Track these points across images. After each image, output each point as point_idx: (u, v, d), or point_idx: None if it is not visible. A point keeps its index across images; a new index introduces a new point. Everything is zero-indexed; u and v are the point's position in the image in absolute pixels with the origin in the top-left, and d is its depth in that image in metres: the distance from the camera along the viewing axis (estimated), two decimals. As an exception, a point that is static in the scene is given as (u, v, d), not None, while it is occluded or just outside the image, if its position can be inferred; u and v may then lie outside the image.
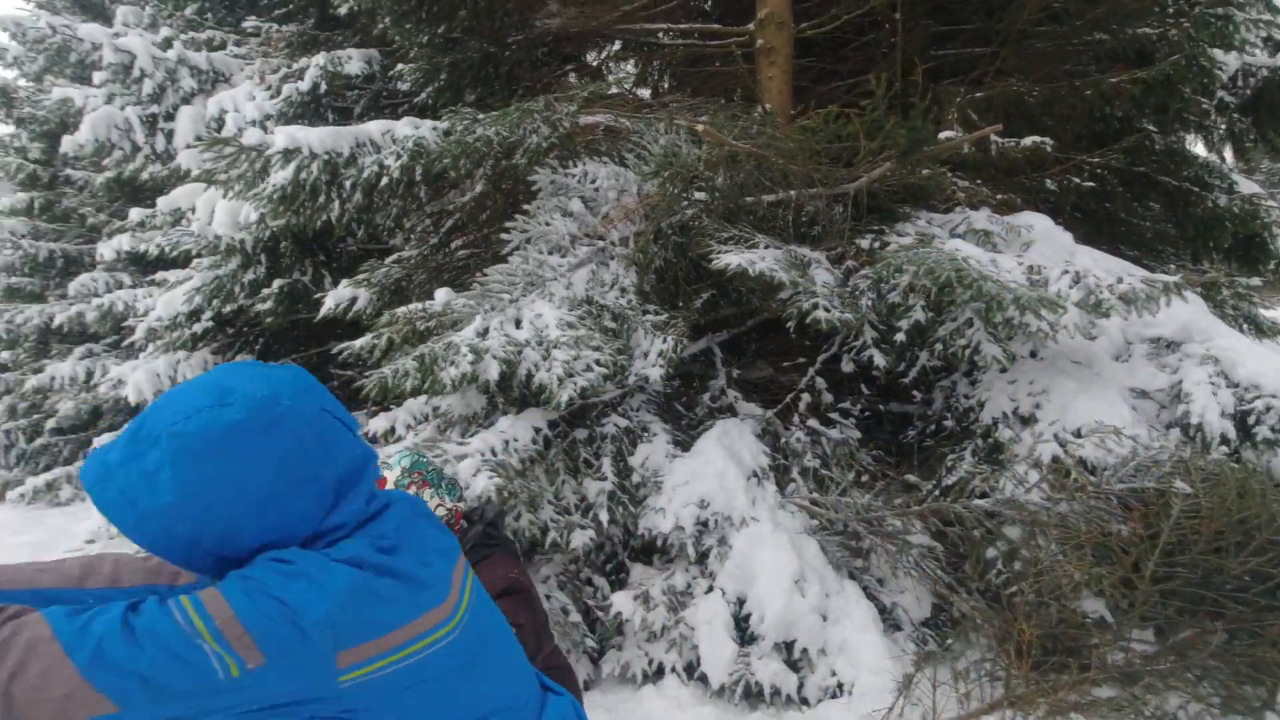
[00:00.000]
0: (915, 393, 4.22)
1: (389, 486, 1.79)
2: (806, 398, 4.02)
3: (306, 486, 0.82)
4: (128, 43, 5.73)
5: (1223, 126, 6.01)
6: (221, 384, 0.81)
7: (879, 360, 3.57)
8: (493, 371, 2.99)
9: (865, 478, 3.79)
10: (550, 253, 3.54)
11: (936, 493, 3.46)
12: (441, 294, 3.55)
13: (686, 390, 4.14)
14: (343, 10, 5.64)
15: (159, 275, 7.30)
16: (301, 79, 5.85)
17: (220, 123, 5.87)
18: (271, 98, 5.92)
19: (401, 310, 3.53)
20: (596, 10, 5.50)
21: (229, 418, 0.77)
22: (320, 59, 5.82)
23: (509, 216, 4.01)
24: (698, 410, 3.94)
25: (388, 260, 4.87)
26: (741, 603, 3.21)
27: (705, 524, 3.32)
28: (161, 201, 6.18)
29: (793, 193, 3.86)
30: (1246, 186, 5.65)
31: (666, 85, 6.56)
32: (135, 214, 6.97)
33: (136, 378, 5.85)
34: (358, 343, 3.55)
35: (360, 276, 4.72)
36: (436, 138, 3.94)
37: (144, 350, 6.62)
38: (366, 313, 4.55)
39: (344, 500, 0.86)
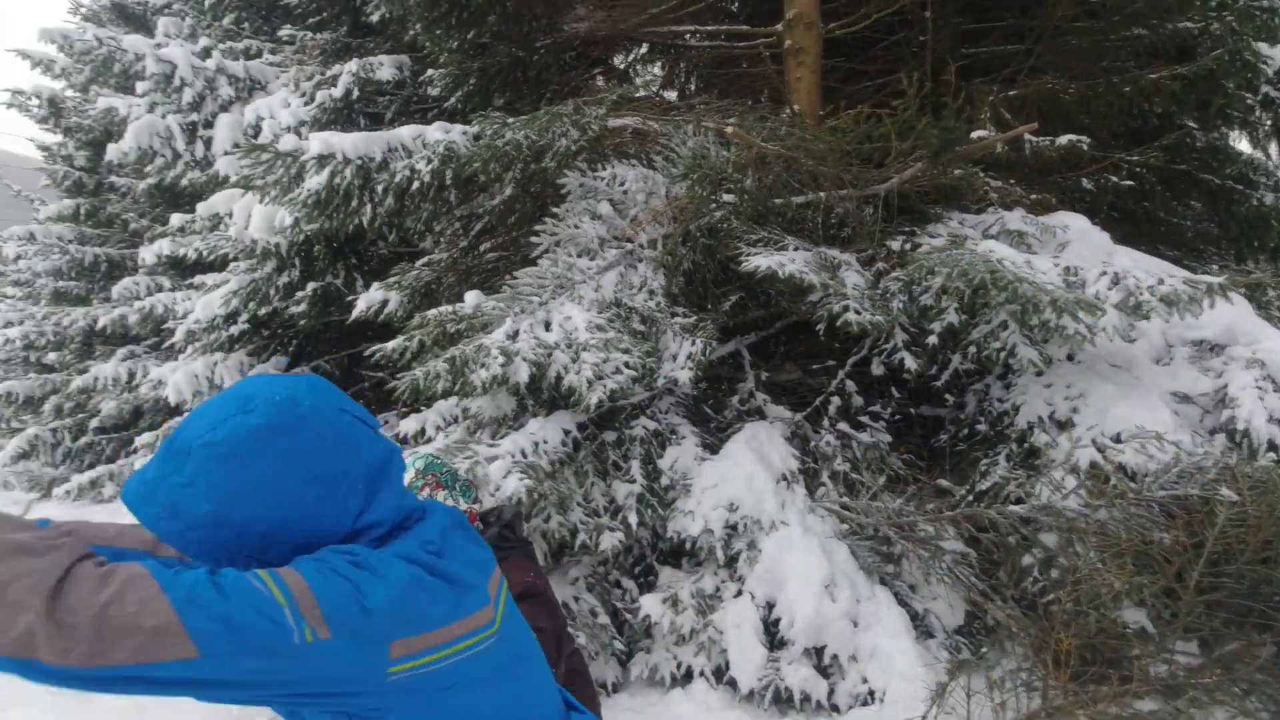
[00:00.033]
0: (947, 396, 4.15)
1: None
2: (836, 401, 3.99)
3: (336, 483, 0.85)
4: (169, 53, 5.90)
5: (1268, 122, 5.83)
6: (243, 393, 0.85)
7: (910, 363, 3.52)
8: (522, 374, 3.02)
9: (896, 482, 3.75)
10: (579, 255, 3.55)
11: (970, 498, 3.40)
12: (471, 296, 3.59)
13: (714, 393, 4.12)
14: (374, 18, 5.74)
15: (197, 279, 7.49)
16: (335, 85, 5.96)
17: (257, 129, 6.01)
18: (306, 104, 6.04)
19: (432, 313, 3.58)
20: (624, 13, 5.53)
21: (253, 422, 0.81)
22: (353, 65, 5.92)
23: (537, 219, 4.04)
24: (726, 413, 3.92)
25: (418, 263, 4.93)
26: (771, 607, 3.19)
27: (734, 527, 3.31)
28: (200, 207, 6.34)
29: (822, 194, 3.84)
30: (1293, 184, 5.47)
31: (693, 87, 6.56)
32: (176, 219, 7.16)
33: (176, 378, 6.00)
34: (389, 345, 3.60)
35: (391, 279, 4.78)
36: (466, 142, 3.98)
37: (183, 352, 6.79)
38: (397, 315, 4.61)
39: (376, 498, 0.89)
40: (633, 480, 3.34)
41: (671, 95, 6.32)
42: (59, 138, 10.84)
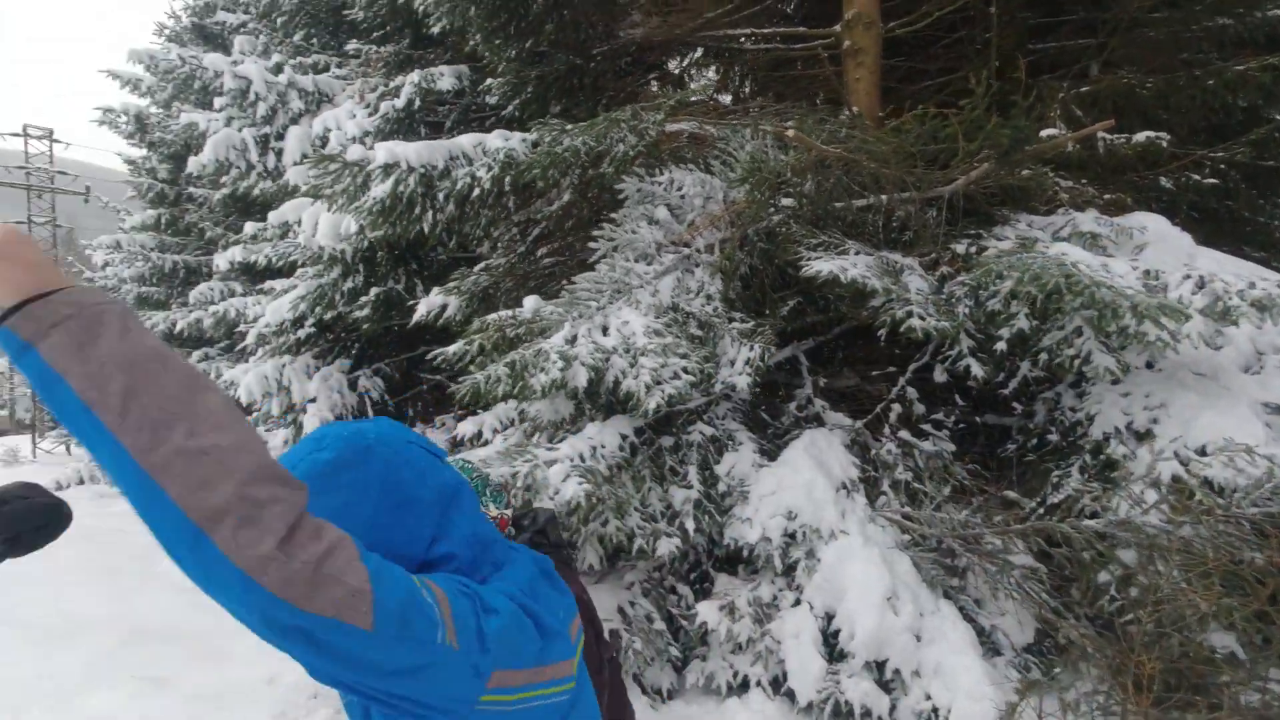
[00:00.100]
0: (1014, 404, 4.01)
1: None
2: (897, 408, 3.89)
3: (406, 509, 0.89)
4: (245, 69, 6.18)
5: (1367, 115, 5.43)
6: (316, 434, 0.92)
7: (976, 370, 3.41)
8: (581, 378, 3.04)
9: (960, 493, 3.63)
10: (636, 260, 3.57)
11: (1041, 511, 3.27)
12: (530, 301, 3.64)
13: (771, 399, 4.08)
14: (435, 30, 5.89)
15: (267, 284, 7.82)
16: (397, 96, 6.15)
17: (324, 140, 6.24)
18: (370, 115, 6.25)
19: (492, 317, 3.64)
20: (679, 18, 5.54)
21: (325, 457, 0.87)
22: (415, 76, 6.10)
23: (594, 225, 4.07)
24: (783, 419, 3.87)
25: (476, 268, 5.03)
26: (830, 618, 3.13)
27: (792, 535, 3.26)
28: (271, 215, 6.61)
29: (883, 197, 3.76)
30: (1398, 180, 5.09)
31: (748, 90, 6.52)
32: (249, 228, 7.49)
33: (248, 380, 6.27)
34: (450, 348, 3.68)
35: (450, 284, 4.89)
36: (525, 149, 4.05)
37: (254, 354, 7.09)
38: (456, 319, 4.72)
39: (448, 526, 0.91)
40: (690, 486, 3.33)
41: (725, 99, 6.30)
42: (144, 152, 11.49)
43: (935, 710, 2.92)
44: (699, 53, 6.38)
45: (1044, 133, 4.15)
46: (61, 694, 4.08)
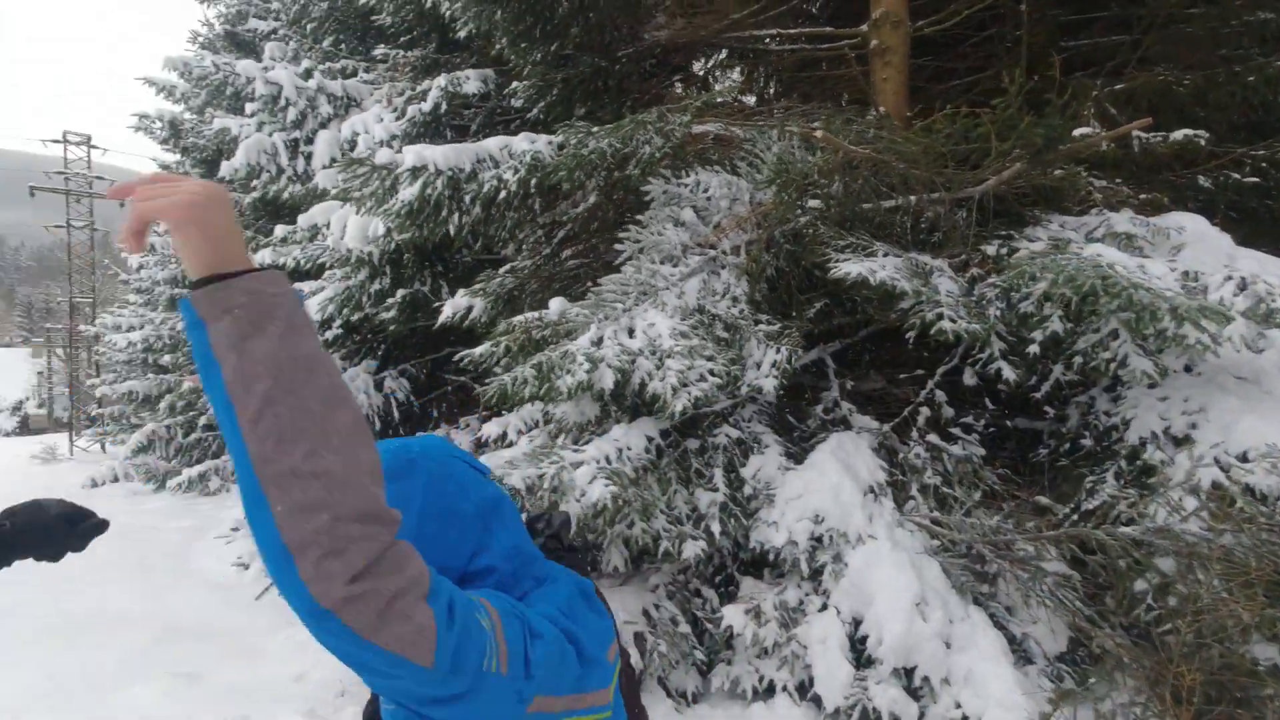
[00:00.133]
0: (1046, 408, 3.93)
1: None
2: (925, 411, 3.84)
3: (449, 522, 0.90)
4: (276, 75, 6.29)
5: None
6: None
7: (1008, 373, 3.35)
8: (607, 380, 3.04)
9: (991, 498, 3.58)
10: (662, 262, 3.56)
11: (1074, 517, 3.21)
12: (556, 303, 3.65)
13: (797, 401, 4.05)
14: (462, 34, 5.94)
15: (295, 286, 7.91)
16: (424, 100, 6.21)
17: (352, 144, 6.32)
18: (397, 119, 6.32)
19: (518, 319, 3.66)
20: (705, 20, 5.53)
21: None
22: (441, 80, 6.15)
23: (619, 226, 4.08)
24: (810, 422, 3.84)
25: (501, 270, 5.07)
26: (858, 623, 3.10)
27: (819, 539, 3.23)
28: (301, 219, 6.71)
29: (912, 198, 3.71)
30: None
31: (772, 91, 6.50)
32: (279, 230, 7.61)
33: (277, 380, 6.35)
34: (477, 350, 3.70)
35: (476, 286, 4.93)
36: (551, 151, 4.07)
37: (283, 355, 7.18)
38: (481, 321, 4.75)
39: (489, 539, 0.92)
40: (715, 489, 3.31)
41: (750, 100, 6.28)
42: (177, 157, 11.73)
43: (966, 718, 2.87)
44: (723, 54, 6.37)
45: (1077, 131, 4.08)
46: (100, 689, 4.18)
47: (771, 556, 3.31)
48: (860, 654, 3.07)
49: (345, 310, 6.11)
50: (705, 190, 3.81)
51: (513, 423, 4.17)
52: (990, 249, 3.66)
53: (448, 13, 5.64)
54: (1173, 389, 3.28)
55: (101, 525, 1.34)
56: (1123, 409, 3.40)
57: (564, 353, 3.13)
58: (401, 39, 7.24)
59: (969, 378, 3.90)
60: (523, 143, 4.20)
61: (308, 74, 6.74)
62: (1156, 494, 3.00)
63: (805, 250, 3.63)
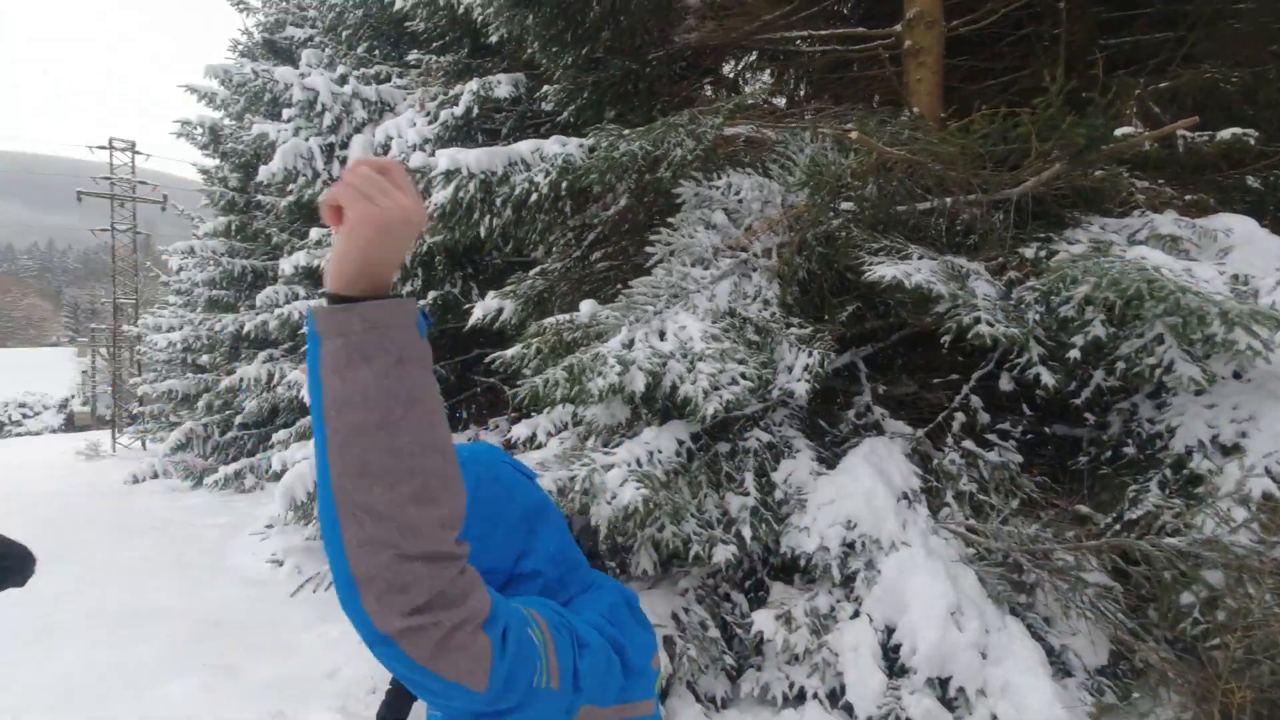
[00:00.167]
0: (1087, 415, 3.84)
1: None
2: (960, 417, 3.77)
3: (495, 524, 0.92)
4: (312, 81, 6.41)
5: None
6: None
7: (1047, 379, 3.27)
8: (639, 383, 3.04)
9: (1029, 506, 3.50)
10: (693, 265, 3.55)
11: (1117, 527, 3.12)
12: (586, 305, 3.66)
13: (828, 406, 4.01)
14: (494, 39, 5.99)
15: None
16: (456, 104, 6.28)
17: (385, 148, 6.42)
18: (429, 123, 6.40)
19: (549, 321, 3.67)
20: (735, 22, 5.51)
21: None
22: (473, 85, 6.22)
23: (649, 229, 4.07)
24: (841, 427, 3.80)
25: (531, 273, 5.10)
26: (890, 631, 3.05)
27: (851, 545, 3.19)
28: (335, 222, 6.82)
29: (948, 200, 3.65)
30: None
31: (802, 93, 6.45)
32: (314, 233, 7.75)
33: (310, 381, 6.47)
34: (509, 352, 3.73)
35: (506, 288, 4.96)
36: (583, 154, 4.08)
37: (317, 356, 7.31)
38: (511, 323, 4.78)
39: (534, 542, 0.93)
40: (746, 493, 3.29)
41: (779, 102, 6.24)
42: (217, 162, 12.03)
43: (1002, 731, 2.81)
44: (753, 56, 6.34)
45: (1119, 131, 3.98)
46: (140, 682, 4.28)
47: (802, 562, 3.27)
48: (893, 663, 3.02)
49: (378, 312, 6.19)
50: (737, 193, 3.80)
51: (542, 424, 4.19)
52: (1028, 251, 3.59)
53: (479, 18, 5.70)
54: (1221, 396, 3.18)
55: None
56: (1167, 416, 3.30)
57: (595, 355, 3.14)
58: (434, 44, 7.33)
59: (1005, 383, 3.83)
60: (554, 146, 4.23)
61: (343, 80, 6.86)
62: (1204, 504, 2.91)
63: (838, 253, 3.59)
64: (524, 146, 4.34)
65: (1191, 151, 4.39)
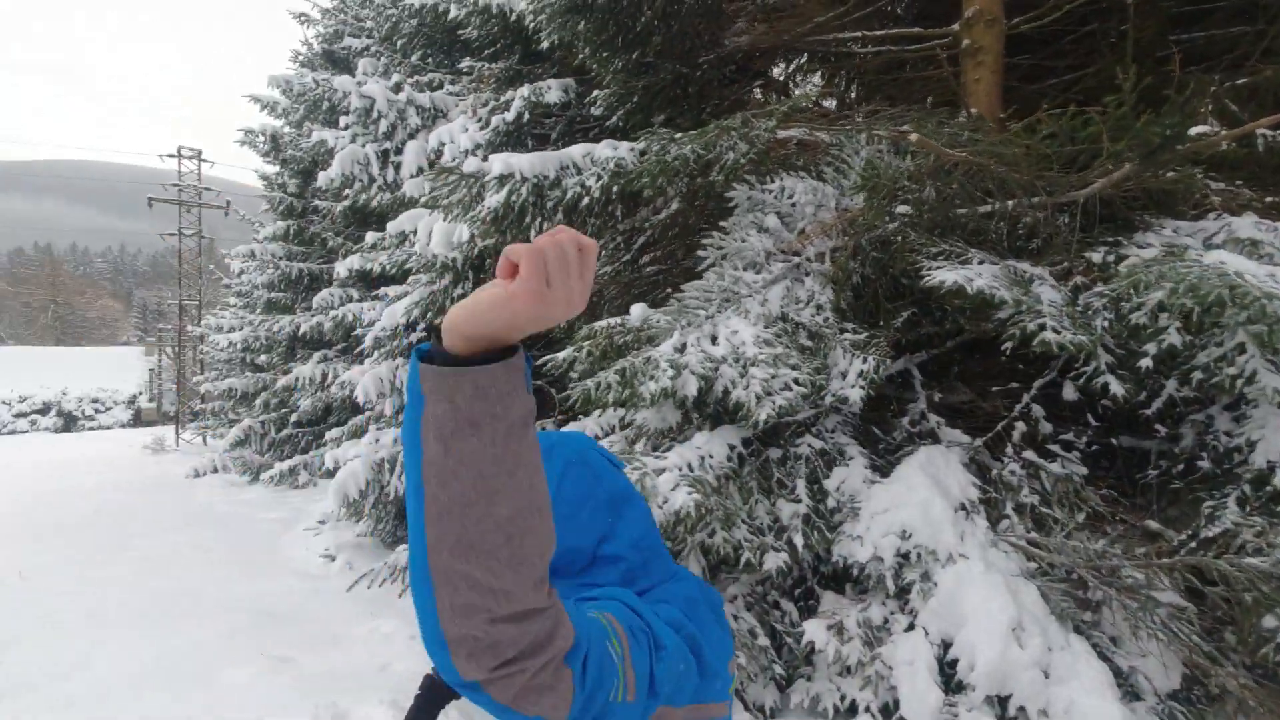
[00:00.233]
0: (1158, 426, 3.67)
1: None
2: (1021, 426, 3.65)
3: (580, 506, 0.93)
4: (369, 89, 6.59)
5: None
6: None
7: (1116, 388, 3.14)
8: (691, 387, 3.03)
9: (1094, 520, 3.36)
10: (745, 269, 3.52)
11: (1192, 545, 2.97)
12: (637, 309, 3.66)
13: (882, 413, 3.92)
14: (544, 45, 6.07)
15: (381, 290, 8.27)
16: (507, 110, 6.38)
17: (438, 154, 6.55)
18: (481, 129, 6.52)
19: (600, 324, 3.69)
20: (787, 24, 5.46)
21: None
22: (524, 91, 6.31)
23: (698, 233, 4.06)
24: (895, 434, 3.71)
25: (581, 277, 5.13)
26: (947, 646, 2.96)
27: (906, 556, 3.11)
28: (390, 226, 7.00)
29: (1010, 203, 3.54)
30: None
31: (854, 95, 6.35)
32: (370, 237, 7.97)
33: (364, 381, 6.65)
34: (561, 354, 3.75)
35: (556, 292, 5.00)
36: (634, 158, 4.09)
37: (370, 356, 7.52)
38: (559, 326, 4.82)
39: (618, 526, 0.94)
40: (798, 500, 3.24)
41: (830, 104, 6.16)
42: (277, 168, 12.47)
43: (1067, 755, 2.70)
44: (804, 58, 6.27)
45: (1194, 130, 3.80)
46: (203, 669, 4.45)
47: (855, 572, 3.21)
48: (950, 678, 2.94)
49: (429, 314, 6.32)
50: (790, 196, 3.75)
51: (589, 427, 4.21)
52: (1095, 256, 3.46)
53: (531, 25, 5.78)
54: (1307, 409, 3.01)
55: None
56: (1247, 429, 3.14)
57: (647, 359, 3.14)
58: (485, 52, 7.46)
59: (1069, 392, 3.69)
60: (606, 150, 4.25)
61: (398, 87, 7.03)
62: (1289, 523, 2.75)
63: (893, 257, 3.52)
64: (576, 151, 4.37)
65: (1272, 151, 4.17)
